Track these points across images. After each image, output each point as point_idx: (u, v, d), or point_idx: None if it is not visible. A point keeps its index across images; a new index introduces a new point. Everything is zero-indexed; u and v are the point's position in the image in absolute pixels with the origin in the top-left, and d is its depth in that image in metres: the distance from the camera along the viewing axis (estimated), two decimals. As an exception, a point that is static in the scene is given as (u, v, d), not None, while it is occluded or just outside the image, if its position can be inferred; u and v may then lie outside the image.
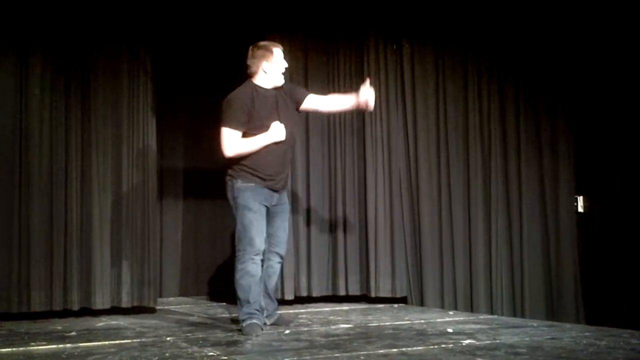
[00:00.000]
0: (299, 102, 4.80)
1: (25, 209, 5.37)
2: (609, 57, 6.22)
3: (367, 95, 4.68)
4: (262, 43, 4.74)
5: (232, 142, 4.55)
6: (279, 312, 4.98)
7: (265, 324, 4.61)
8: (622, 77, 6.14)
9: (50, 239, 5.42)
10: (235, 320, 4.92)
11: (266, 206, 4.63)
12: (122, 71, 5.72)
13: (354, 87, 6.36)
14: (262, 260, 4.58)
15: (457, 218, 6.26)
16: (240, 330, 4.50)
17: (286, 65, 4.72)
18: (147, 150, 5.79)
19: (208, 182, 7.26)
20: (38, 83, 5.47)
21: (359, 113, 6.36)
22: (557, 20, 6.32)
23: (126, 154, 5.71)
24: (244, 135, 4.59)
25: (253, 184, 4.57)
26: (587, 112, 6.45)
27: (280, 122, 4.62)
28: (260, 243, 4.52)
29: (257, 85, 4.66)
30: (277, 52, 4.68)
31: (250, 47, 4.74)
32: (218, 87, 7.04)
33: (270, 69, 4.65)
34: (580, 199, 6.53)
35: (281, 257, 4.85)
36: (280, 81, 4.69)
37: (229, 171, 4.66)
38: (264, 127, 4.58)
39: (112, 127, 5.68)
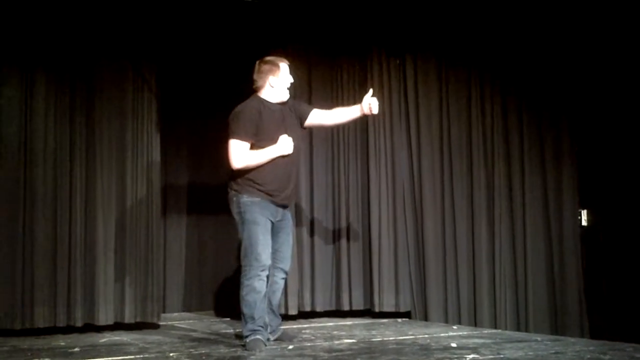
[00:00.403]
0: (304, 118, 4.86)
1: (29, 225, 5.39)
2: (612, 71, 6.22)
3: (370, 101, 4.81)
4: (269, 58, 4.79)
5: (241, 154, 4.57)
6: (282, 327, 4.98)
7: (268, 339, 4.62)
8: (625, 91, 6.14)
9: (54, 255, 5.43)
10: (239, 336, 4.91)
11: (271, 221, 4.64)
12: (126, 88, 5.76)
13: (357, 102, 6.41)
14: (268, 276, 4.58)
15: (460, 233, 6.25)
16: (244, 345, 4.51)
17: (292, 80, 4.80)
18: (151, 166, 5.80)
19: (212, 197, 7.25)
20: (43, 99, 5.50)
21: (363, 129, 6.39)
22: (560, 35, 6.33)
23: (130, 170, 5.73)
24: (251, 148, 4.61)
25: (259, 199, 4.58)
26: (590, 125, 6.44)
27: (291, 133, 4.67)
28: (266, 258, 4.53)
29: (264, 100, 4.71)
30: (284, 67, 4.75)
31: (257, 62, 4.80)
32: (222, 104, 7.04)
33: (277, 83, 4.71)
34: (584, 213, 6.51)
35: (285, 273, 4.86)
36: (285, 96, 4.76)
37: (234, 185, 4.67)
38: (271, 141, 4.62)
39: (117, 143, 5.71)
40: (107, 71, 5.70)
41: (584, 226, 6.47)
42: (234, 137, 4.59)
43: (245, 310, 4.51)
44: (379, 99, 6.32)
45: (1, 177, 5.39)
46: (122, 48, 5.75)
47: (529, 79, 6.41)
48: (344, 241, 6.33)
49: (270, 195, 4.61)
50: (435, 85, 6.42)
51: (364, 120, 6.41)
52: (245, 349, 4.44)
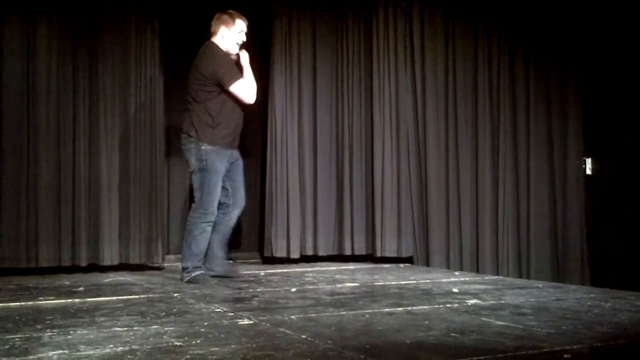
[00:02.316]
0: None
1: (33, 167, 5.39)
2: (619, 20, 6.14)
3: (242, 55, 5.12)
4: (230, 11, 5.08)
5: (250, 89, 4.98)
6: (227, 262, 5.31)
7: (214, 271, 5.03)
8: (632, 40, 6.07)
9: (58, 196, 5.44)
10: (241, 280, 4.96)
11: (227, 166, 4.97)
12: (129, 29, 5.71)
13: (362, 50, 6.36)
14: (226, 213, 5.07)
15: (464, 179, 6.25)
16: (185, 279, 4.87)
17: (244, 39, 5.06)
18: (155, 107, 5.79)
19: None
20: (45, 39, 5.44)
21: (367, 73, 6.35)
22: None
23: (133, 111, 5.71)
24: (221, 92, 4.92)
25: (219, 147, 4.89)
26: (596, 74, 6.39)
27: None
28: (216, 204, 4.93)
29: (219, 47, 5.03)
30: (239, 23, 5.03)
31: (219, 12, 5.09)
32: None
33: (227, 35, 5.02)
34: (589, 161, 6.50)
35: (241, 209, 5.18)
36: (234, 50, 5.05)
37: (192, 132, 4.91)
38: None
39: (120, 84, 5.69)
40: (109, 11, 5.64)
41: (588, 175, 6.47)
42: (237, 79, 4.92)
43: (194, 248, 4.90)
44: (384, 45, 6.34)
45: (6, 116, 5.36)
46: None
47: (536, 25, 6.34)
48: (346, 186, 6.33)
49: (228, 141, 4.93)
50: (442, 31, 6.36)
51: (368, 64, 6.37)
52: (190, 282, 4.82)
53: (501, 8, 6.32)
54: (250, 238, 7.21)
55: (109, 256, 5.52)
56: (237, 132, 5.05)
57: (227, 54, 5.02)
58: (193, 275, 4.87)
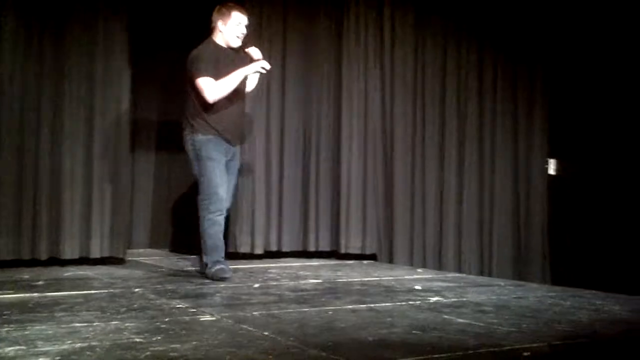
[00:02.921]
0: None
1: (-6, 159, 5.29)
2: (586, 20, 6.20)
3: (249, 51, 4.97)
4: (227, 3, 4.92)
5: (212, 87, 4.72)
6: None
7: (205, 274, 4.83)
8: (599, 40, 6.13)
9: (19, 188, 5.35)
10: (203, 273, 4.93)
11: (224, 159, 4.82)
12: (97, 21, 5.62)
13: (333, 53, 6.35)
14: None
15: (429, 177, 6.28)
16: (206, 275, 4.73)
17: (243, 31, 4.87)
18: (120, 99, 5.72)
19: (180, 134, 7.20)
20: (11, 29, 5.35)
21: (337, 71, 6.35)
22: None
23: (99, 104, 5.64)
24: None
25: (213, 136, 4.76)
26: (563, 75, 6.45)
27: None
28: (223, 192, 4.75)
29: (217, 43, 4.87)
30: (235, 15, 4.85)
31: (218, 6, 4.94)
32: (194, 40, 6.99)
33: (225, 29, 4.84)
34: (553, 162, 6.56)
35: (227, 211, 5.00)
36: (234, 43, 4.86)
37: (188, 125, 4.84)
38: None
39: (86, 77, 5.60)
40: (77, 4, 5.55)
41: (551, 175, 6.53)
42: (200, 76, 4.71)
43: (208, 242, 4.74)
44: (354, 43, 6.34)
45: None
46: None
47: (505, 25, 6.37)
48: (312, 182, 6.33)
49: (223, 133, 4.78)
50: (412, 32, 6.39)
51: (337, 62, 6.37)
52: (211, 278, 4.66)
53: (471, 8, 6.34)
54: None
55: (70, 250, 5.45)
56: (233, 127, 4.86)
57: (210, 50, 4.81)
58: (213, 270, 4.72)
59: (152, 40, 6.89)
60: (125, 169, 5.85)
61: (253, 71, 4.84)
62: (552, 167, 6.57)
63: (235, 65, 4.81)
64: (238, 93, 4.86)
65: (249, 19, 4.95)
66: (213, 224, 4.72)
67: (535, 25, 6.34)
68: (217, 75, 4.72)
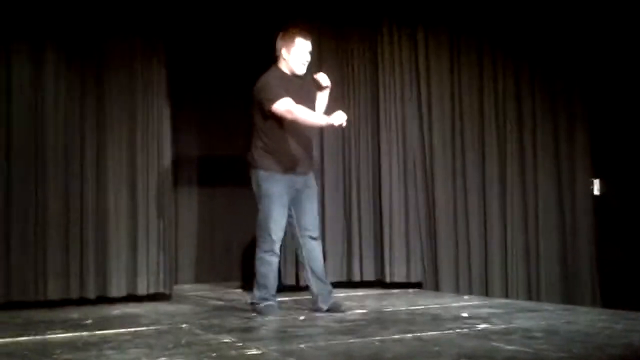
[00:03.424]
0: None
1: (41, 198, 5.40)
2: (626, 39, 6.14)
3: (317, 78, 4.83)
4: (290, 29, 4.78)
5: (294, 105, 4.54)
6: (334, 296, 4.91)
7: (321, 309, 4.72)
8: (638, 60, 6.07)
9: (66, 228, 5.45)
10: (249, 309, 4.94)
11: (290, 193, 4.69)
12: (136, 61, 5.73)
13: (367, 75, 6.38)
14: (281, 248, 4.78)
15: (472, 202, 6.23)
16: (255, 310, 4.68)
17: (308, 58, 4.74)
18: (162, 137, 5.79)
19: (223, 169, 7.30)
20: (53, 74, 5.48)
21: (374, 99, 6.36)
22: (573, 3, 6.24)
23: (140, 140, 5.72)
24: (273, 119, 4.62)
25: (274, 172, 4.64)
26: (603, 94, 6.38)
27: (297, 102, 4.63)
28: (279, 233, 4.65)
29: (281, 70, 4.75)
30: (299, 42, 4.70)
31: (280, 32, 4.80)
32: (231, 76, 7.11)
33: (289, 57, 4.71)
34: (597, 182, 6.47)
35: (315, 239, 4.81)
36: (299, 70, 4.73)
37: (252, 160, 4.74)
38: None
39: (127, 114, 5.70)
40: (116, 44, 5.67)
41: (596, 195, 6.44)
42: (276, 100, 4.55)
43: (258, 279, 4.69)
44: (389, 71, 6.35)
45: (14, 148, 5.37)
46: (132, 22, 5.71)
47: (541, 46, 6.35)
48: (355, 211, 6.32)
49: (286, 167, 4.65)
50: (447, 55, 6.37)
51: (374, 91, 6.39)
52: (258, 314, 4.62)
53: (506, 29, 6.33)
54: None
55: (117, 288, 5.52)
56: (299, 156, 4.69)
57: (277, 77, 4.67)
58: (260, 306, 4.66)
59: (191, 78, 7.02)
60: (169, 205, 5.92)
61: (330, 123, 4.53)
62: (596, 188, 6.48)
63: (303, 94, 4.70)
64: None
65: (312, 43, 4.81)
66: (262, 263, 4.66)
67: (572, 43, 6.30)
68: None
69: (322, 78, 4.83)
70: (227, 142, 7.26)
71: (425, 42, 6.37)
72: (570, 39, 6.33)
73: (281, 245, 4.78)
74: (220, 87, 7.18)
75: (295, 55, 4.70)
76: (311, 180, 4.86)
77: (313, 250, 4.80)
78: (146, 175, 5.73)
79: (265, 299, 4.68)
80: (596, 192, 6.49)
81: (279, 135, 4.64)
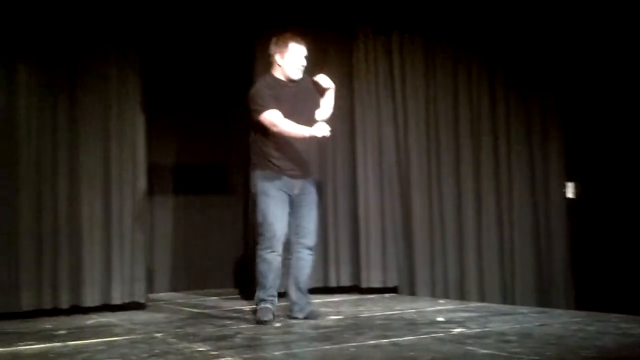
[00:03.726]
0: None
1: (13, 209, 5.32)
2: (599, 44, 6.21)
3: (317, 79, 4.74)
4: (283, 35, 4.73)
5: (278, 120, 4.52)
6: (310, 306, 4.85)
7: (297, 318, 4.68)
8: (612, 64, 6.13)
9: (39, 238, 5.38)
10: (226, 316, 4.93)
11: (288, 194, 4.63)
12: (110, 70, 5.67)
13: (343, 82, 6.38)
14: (285, 248, 4.67)
15: (447, 208, 6.26)
16: (252, 312, 4.67)
17: (303, 63, 4.68)
18: (136, 146, 5.75)
19: (198, 176, 7.27)
20: (25, 82, 5.42)
21: (349, 105, 6.36)
22: (546, 7, 6.29)
23: (114, 149, 5.67)
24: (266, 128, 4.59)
25: (271, 171, 4.61)
26: (577, 98, 6.44)
27: (300, 113, 4.61)
28: (278, 230, 4.57)
29: (275, 76, 4.70)
30: (293, 47, 4.65)
31: (274, 37, 4.76)
32: (207, 86, 7.09)
33: (283, 62, 4.66)
34: (571, 185, 6.52)
35: (309, 249, 4.76)
36: (294, 75, 4.67)
37: (251, 161, 4.73)
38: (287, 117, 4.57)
39: (100, 123, 5.64)
40: (89, 53, 5.61)
41: (570, 199, 6.48)
42: (263, 111, 4.54)
43: (258, 278, 4.63)
44: (364, 76, 6.37)
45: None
46: (105, 31, 5.66)
47: (515, 52, 6.39)
48: (330, 217, 6.32)
49: (282, 168, 4.62)
50: (422, 62, 6.39)
51: (350, 96, 6.39)
52: (254, 317, 4.59)
53: (480, 35, 6.37)
54: (235, 273, 7.18)
55: (91, 297, 5.46)
56: (295, 160, 4.66)
57: (269, 85, 4.64)
58: (257, 309, 4.62)
59: (165, 84, 6.97)
60: (144, 214, 5.87)
61: (313, 134, 4.47)
62: (570, 191, 6.53)
63: (298, 99, 4.67)
64: (303, 123, 4.59)
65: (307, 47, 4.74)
66: (261, 261, 4.58)
67: (546, 48, 6.34)
68: (277, 106, 4.57)
69: (323, 80, 4.75)
70: (203, 150, 7.25)
71: (400, 48, 6.39)
72: (543, 45, 6.37)
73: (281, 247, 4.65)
74: (196, 95, 7.14)
75: (290, 60, 4.64)
76: (310, 186, 4.78)
77: (303, 260, 4.74)
78: (120, 184, 5.68)
79: (263, 300, 4.60)
80: (570, 195, 6.53)
81: (274, 139, 4.60)
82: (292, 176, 4.65)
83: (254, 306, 4.67)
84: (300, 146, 4.67)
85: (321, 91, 4.79)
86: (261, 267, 4.59)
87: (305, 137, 4.55)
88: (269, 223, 4.56)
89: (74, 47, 5.56)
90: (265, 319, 4.51)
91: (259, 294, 4.62)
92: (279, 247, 4.60)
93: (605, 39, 6.11)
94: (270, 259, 4.57)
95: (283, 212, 4.62)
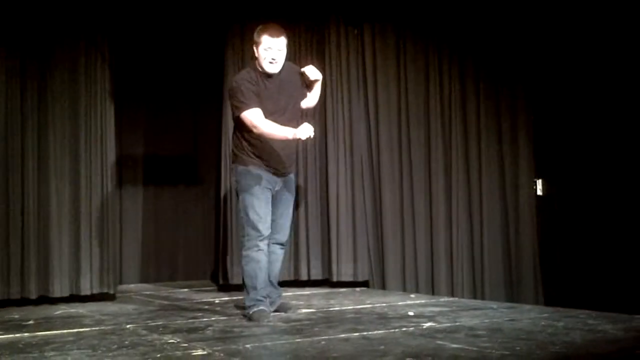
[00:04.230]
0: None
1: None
2: (568, 42, 6.25)
3: (305, 71, 4.60)
4: (261, 26, 4.55)
5: (260, 120, 4.38)
6: (281, 299, 4.83)
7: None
8: (581, 61, 6.18)
9: (6, 227, 5.34)
10: (195, 308, 4.90)
11: (270, 190, 4.52)
12: (79, 57, 5.64)
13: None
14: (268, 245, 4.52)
15: (418, 202, 6.28)
16: (245, 316, 4.47)
17: (274, 56, 4.46)
18: (105, 136, 5.72)
19: (168, 167, 7.23)
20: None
21: (321, 99, 6.33)
22: (517, 3, 6.33)
23: (83, 139, 5.64)
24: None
25: (253, 167, 4.49)
26: (547, 96, 6.48)
27: (283, 110, 4.51)
28: (264, 228, 4.45)
29: (254, 70, 4.55)
30: (266, 40, 4.45)
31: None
32: (178, 76, 7.05)
33: (259, 56, 4.49)
34: (540, 183, 6.57)
35: (282, 245, 4.71)
36: (268, 69, 4.48)
37: (233, 157, 4.64)
38: (267, 113, 4.44)
39: (70, 113, 5.61)
40: (59, 43, 5.57)
41: (539, 195, 6.54)
42: (244, 110, 4.41)
43: (246, 280, 4.47)
44: (336, 69, 6.37)
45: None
46: (75, 21, 5.61)
47: (486, 47, 6.41)
48: (302, 211, 6.32)
49: (264, 164, 4.50)
50: (393, 56, 6.40)
51: (322, 91, 6.37)
52: (249, 320, 4.37)
53: (451, 30, 6.38)
54: (205, 265, 7.17)
55: (60, 288, 5.41)
56: (280, 156, 4.53)
57: (250, 79, 4.47)
58: (251, 312, 4.40)
59: (136, 77, 6.93)
60: (113, 205, 5.84)
61: (297, 137, 4.30)
62: (539, 188, 6.58)
63: (282, 93, 4.52)
64: (286, 119, 4.50)
65: (286, 38, 4.53)
66: (249, 261, 4.43)
67: (516, 44, 6.37)
68: (260, 105, 4.44)
69: (311, 72, 4.60)
70: (173, 141, 7.22)
71: (372, 41, 6.40)
72: (514, 41, 6.40)
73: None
74: (166, 86, 7.10)
75: (263, 53, 4.46)
76: (290, 183, 4.71)
77: (275, 254, 4.66)
78: (89, 175, 5.64)
79: (256, 302, 4.42)
80: (539, 192, 6.58)
81: (257, 135, 4.46)
82: (275, 173, 4.55)
83: (246, 310, 4.45)
84: (283, 143, 4.51)
85: (309, 83, 4.68)
86: (250, 267, 4.43)
87: (289, 139, 4.42)
88: (252, 220, 4.44)
89: (44, 35, 5.51)
90: (264, 321, 4.33)
91: (252, 295, 4.44)
92: (265, 246, 4.48)
93: (576, 34, 6.15)
94: (259, 257, 4.45)
95: (267, 211, 4.49)
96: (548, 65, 6.39)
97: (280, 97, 4.54)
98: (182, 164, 7.36)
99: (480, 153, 6.37)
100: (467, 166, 6.35)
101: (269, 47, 4.45)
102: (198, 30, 6.46)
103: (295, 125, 4.42)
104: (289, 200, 4.70)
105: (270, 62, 4.46)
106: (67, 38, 5.59)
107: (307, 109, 4.91)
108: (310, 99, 4.77)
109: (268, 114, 4.44)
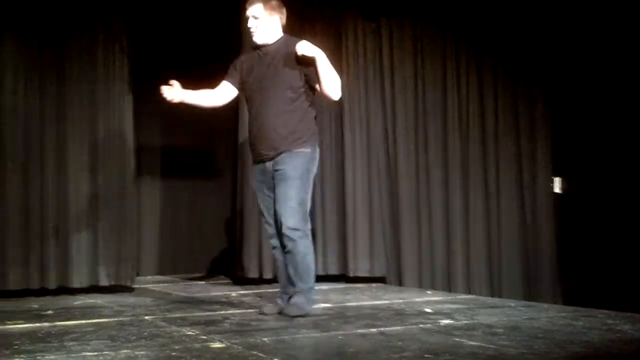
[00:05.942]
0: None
1: (0, 188, 5.30)
2: (587, 38, 6.21)
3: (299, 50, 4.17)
4: None
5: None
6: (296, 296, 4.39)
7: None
8: (600, 58, 6.14)
9: (26, 218, 5.36)
10: (212, 302, 4.91)
11: (267, 181, 4.32)
12: (97, 46, 5.65)
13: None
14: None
15: (435, 199, 6.27)
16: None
17: (249, 25, 4.27)
18: (123, 125, 5.73)
19: (187, 160, 7.23)
20: (11, 59, 5.38)
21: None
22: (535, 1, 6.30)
23: (102, 129, 5.66)
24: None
25: (253, 163, 4.46)
26: (565, 93, 6.45)
27: (265, 89, 4.24)
28: (270, 229, 4.39)
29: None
30: (245, 11, 4.33)
31: None
32: (197, 63, 7.04)
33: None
34: (558, 180, 6.54)
35: (285, 235, 4.21)
36: (252, 40, 4.32)
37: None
38: (253, 88, 4.34)
39: (88, 102, 5.62)
40: (77, 32, 5.58)
41: (557, 193, 6.51)
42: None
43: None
44: (353, 64, 6.36)
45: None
46: (93, 9, 5.62)
47: (504, 44, 6.38)
48: (318, 207, 6.32)
49: (257, 154, 4.32)
50: (411, 50, 6.39)
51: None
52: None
53: (469, 24, 6.36)
54: (222, 258, 7.19)
55: (78, 278, 5.45)
56: (261, 140, 4.24)
57: (243, 54, 4.51)
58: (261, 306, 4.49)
59: (153, 64, 6.92)
60: (131, 195, 5.85)
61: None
62: (557, 185, 6.55)
63: (270, 69, 4.24)
64: (257, 101, 4.28)
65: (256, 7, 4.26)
66: (274, 259, 4.60)
67: (535, 41, 6.33)
68: (242, 83, 4.35)
69: (303, 48, 4.13)
70: (191, 131, 7.20)
71: (389, 36, 6.39)
72: (533, 35, 6.36)
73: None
74: (184, 74, 7.08)
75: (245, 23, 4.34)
76: (281, 162, 4.21)
77: (285, 247, 4.37)
78: (108, 165, 5.66)
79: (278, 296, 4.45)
80: (557, 190, 6.55)
81: (248, 121, 4.42)
82: (262, 158, 4.30)
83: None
84: (262, 123, 4.23)
85: (306, 62, 4.18)
86: (276, 265, 4.51)
87: (269, 112, 4.18)
88: (264, 223, 4.52)
89: (62, 24, 5.52)
90: (266, 311, 4.33)
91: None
92: (277, 243, 4.33)
93: (595, 32, 6.11)
94: (275, 256, 4.45)
95: (269, 210, 4.33)
96: (567, 59, 6.35)
97: (268, 70, 4.26)
98: (199, 153, 7.36)
99: (498, 150, 6.35)
100: (484, 162, 6.33)
101: (246, 17, 4.30)
102: (216, 16, 6.44)
103: (275, 106, 4.19)
104: (281, 180, 4.20)
105: (250, 33, 4.31)
106: (84, 27, 5.59)
107: (325, 97, 4.34)
108: (321, 83, 4.22)
109: (253, 90, 4.30)
